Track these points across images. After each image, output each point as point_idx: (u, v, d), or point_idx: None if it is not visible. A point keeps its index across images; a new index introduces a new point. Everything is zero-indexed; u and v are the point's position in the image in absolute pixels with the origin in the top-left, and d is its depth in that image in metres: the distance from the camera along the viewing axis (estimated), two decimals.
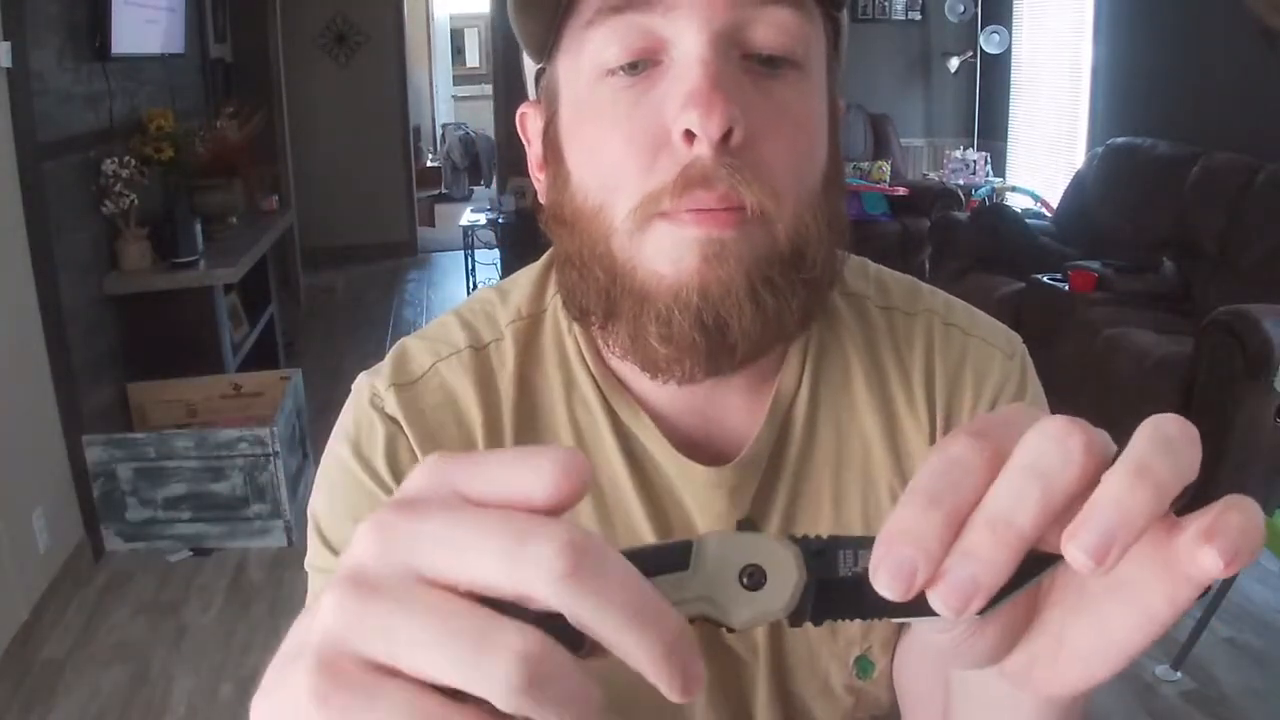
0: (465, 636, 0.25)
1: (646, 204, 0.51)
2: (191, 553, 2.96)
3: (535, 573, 0.25)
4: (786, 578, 0.29)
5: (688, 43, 0.50)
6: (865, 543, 0.29)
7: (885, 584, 0.27)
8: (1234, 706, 2.23)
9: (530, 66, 0.60)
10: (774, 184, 0.51)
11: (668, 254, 0.52)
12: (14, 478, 2.50)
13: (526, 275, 0.68)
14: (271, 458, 2.91)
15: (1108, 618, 0.31)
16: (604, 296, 0.55)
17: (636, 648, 0.26)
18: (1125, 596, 0.30)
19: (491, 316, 0.66)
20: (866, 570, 0.28)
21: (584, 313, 0.58)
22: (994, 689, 0.39)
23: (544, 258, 0.66)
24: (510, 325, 0.65)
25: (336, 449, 0.62)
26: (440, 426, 0.62)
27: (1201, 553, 0.27)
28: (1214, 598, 2.28)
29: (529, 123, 0.62)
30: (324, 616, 0.27)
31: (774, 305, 0.53)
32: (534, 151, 0.61)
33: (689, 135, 0.49)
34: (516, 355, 0.63)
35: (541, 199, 0.60)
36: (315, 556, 0.62)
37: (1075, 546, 0.26)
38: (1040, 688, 0.34)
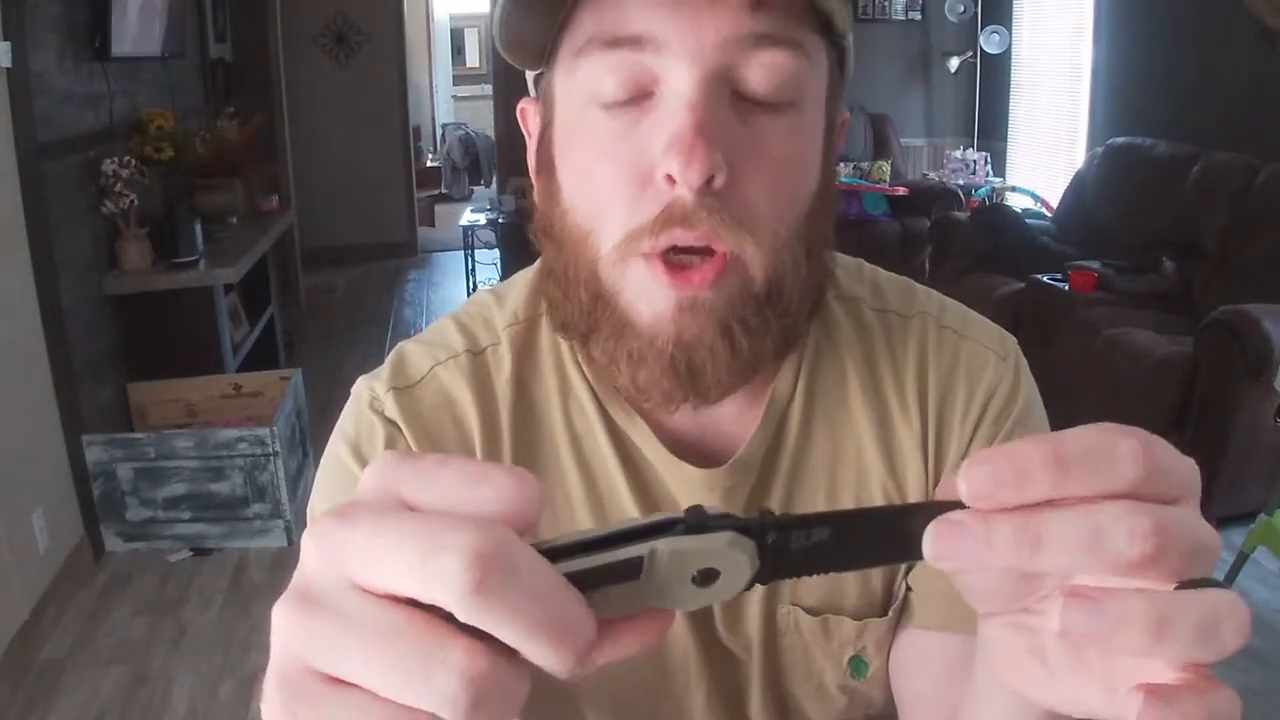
0: (408, 659, 0.25)
1: (629, 241, 0.51)
2: (191, 553, 2.96)
3: (442, 588, 0.25)
4: (739, 572, 0.29)
5: (677, 81, 0.50)
6: (821, 519, 0.29)
7: (972, 498, 0.28)
8: None
9: None
10: (753, 226, 0.51)
11: (646, 298, 0.52)
12: (14, 478, 2.50)
13: (522, 279, 0.68)
14: (271, 458, 2.92)
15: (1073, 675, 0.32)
16: (586, 316, 0.55)
17: (545, 659, 0.26)
18: (1089, 672, 0.31)
19: (488, 321, 0.66)
20: (816, 544, 0.29)
21: (565, 326, 0.58)
22: (995, 690, 0.39)
23: (539, 261, 0.66)
24: (507, 330, 0.65)
25: (336, 451, 0.63)
26: (438, 429, 0.62)
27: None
28: None
29: (529, 118, 0.62)
30: (277, 632, 0.27)
31: (748, 345, 0.53)
32: (532, 149, 0.61)
33: (671, 178, 0.49)
34: (513, 359, 0.64)
35: (535, 200, 0.60)
36: None
37: (1069, 607, 0.27)
38: (1011, 685, 0.34)
